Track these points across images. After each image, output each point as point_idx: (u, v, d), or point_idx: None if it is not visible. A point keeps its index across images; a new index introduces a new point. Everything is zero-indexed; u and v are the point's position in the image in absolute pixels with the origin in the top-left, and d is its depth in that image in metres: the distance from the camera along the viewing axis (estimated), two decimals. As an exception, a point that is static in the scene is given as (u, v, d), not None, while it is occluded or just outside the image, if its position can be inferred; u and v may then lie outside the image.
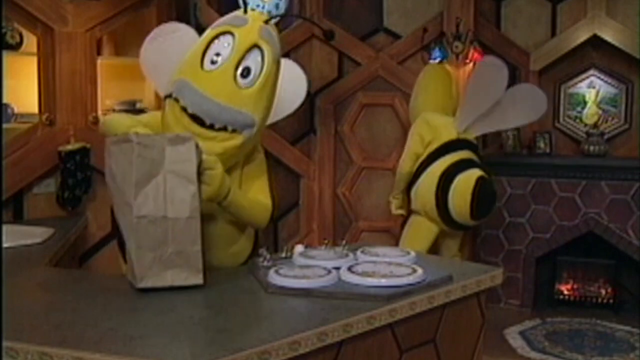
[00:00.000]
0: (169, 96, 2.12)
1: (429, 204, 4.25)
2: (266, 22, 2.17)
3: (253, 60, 2.10)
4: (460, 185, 4.13)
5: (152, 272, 1.83)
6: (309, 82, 2.64)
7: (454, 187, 4.14)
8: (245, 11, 2.17)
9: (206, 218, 2.06)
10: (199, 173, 1.91)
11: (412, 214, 4.47)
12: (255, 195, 2.25)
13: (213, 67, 2.09)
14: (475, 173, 4.14)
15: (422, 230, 4.39)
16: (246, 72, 2.09)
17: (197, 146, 1.90)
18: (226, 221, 2.23)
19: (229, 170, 2.15)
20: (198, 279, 1.87)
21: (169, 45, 2.44)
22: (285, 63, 2.45)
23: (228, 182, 2.05)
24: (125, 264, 1.98)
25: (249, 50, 2.09)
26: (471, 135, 4.38)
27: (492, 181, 4.24)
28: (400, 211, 4.53)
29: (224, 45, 2.11)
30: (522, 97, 4.37)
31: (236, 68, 2.09)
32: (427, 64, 4.70)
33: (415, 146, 4.37)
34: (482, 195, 4.11)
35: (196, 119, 2.05)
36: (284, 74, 2.31)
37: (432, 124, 4.34)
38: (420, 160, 4.35)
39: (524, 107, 4.37)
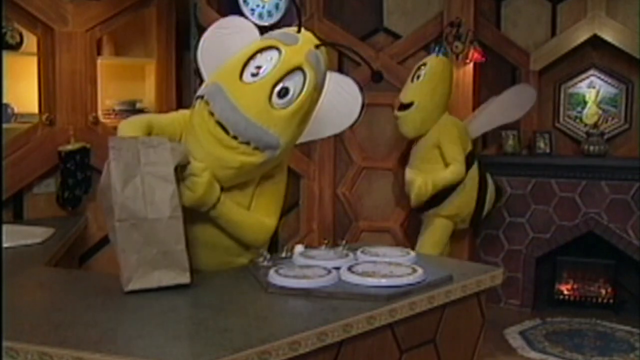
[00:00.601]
0: (200, 97, 2.06)
1: (468, 208, 4.48)
2: (317, 46, 2.06)
3: (293, 82, 2.01)
4: (490, 186, 4.59)
5: (138, 274, 1.84)
6: (364, 104, 2.49)
7: (489, 189, 4.58)
8: (299, 30, 2.09)
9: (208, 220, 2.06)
10: (184, 177, 1.92)
11: (429, 217, 4.56)
12: (260, 213, 2.18)
13: (251, 79, 2.01)
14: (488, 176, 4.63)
15: (443, 232, 4.56)
16: (284, 92, 2.00)
17: (172, 149, 1.89)
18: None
19: (243, 184, 2.12)
20: (185, 278, 1.87)
21: (230, 41, 2.29)
22: (344, 80, 2.40)
23: (216, 193, 2.01)
24: None
25: (292, 70, 2.00)
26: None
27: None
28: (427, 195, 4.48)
29: (267, 59, 2.02)
30: (513, 96, 4.65)
31: (274, 86, 1.99)
32: (430, 57, 4.62)
33: (462, 152, 4.43)
34: (497, 194, 4.70)
35: (222, 126, 1.98)
36: (340, 91, 2.25)
37: (464, 131, 4.55)
38: None
39: (514, 105, 4.64)
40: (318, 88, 2.08)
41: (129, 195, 1.83)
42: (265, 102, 1.99)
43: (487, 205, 4.60)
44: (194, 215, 2.04)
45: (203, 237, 2.11)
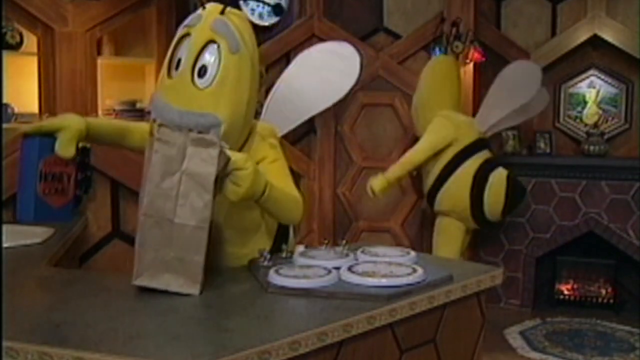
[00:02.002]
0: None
1: (462, 205, 4.36)
2: (222, 12, 2.04)
3: (208, 57, 1.99)
4: (495, 183, 4.32)
5: (149, 272, 1.81)
6: (362, 64, 2.43)
7: (489, 186, 4.31)
8: (204, 7, 2.08)
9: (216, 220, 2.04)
10: (226, 174, 1.84)
11: (438, 217, 4.54)
12: (286, 189, 2.15)
13: (175, 72, 2.03)
14: (504, 172, 4.35)
15: (452, 231, 4.49)
16: (203, 71, 1.99)
17: (221, 152, 1.81)
18: (235, 225, 2.19)
19: None
20: (194, 290, 1.82)
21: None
22: (336, 46, 2.35)
23: (263, 179, 1.96)
24: None
25: (203, 47, 1.99)
26: (486, 135, 4.51)
27: (517, 178, 4.47)
28: (380, 195, 4.44)
29: (183, 49, 2.03)
30: (516, 74, 4.47)
31: (192, 70, 1.99)
32: (434, 57, 4.66)
33: (437, 142, 4.38)
34: (514, 192, 4.37)
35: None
36: (331, 58, 2.21)
37: (456, 123, 4.40)
38: (445, 160, 4.38)
39: (519, 84, 4.44)
40: (237, 49, 2.03)
41: (162, 192, 1.78)
42: (191, 88, 1.99)
43: (491, 200, 4.33)
44: None
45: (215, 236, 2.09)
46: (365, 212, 5.22)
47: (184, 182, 1.79)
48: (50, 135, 2.03)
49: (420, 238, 5.02)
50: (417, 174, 4.69)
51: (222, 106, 1.99)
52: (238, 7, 4.70)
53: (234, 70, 2.01)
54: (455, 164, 4.35)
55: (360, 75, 2.48)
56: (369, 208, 5.20)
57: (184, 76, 1.99)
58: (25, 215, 1.91)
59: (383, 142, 5.15)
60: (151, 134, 2.08)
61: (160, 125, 1.89)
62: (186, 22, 2.09)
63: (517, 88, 4.39)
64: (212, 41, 2.00)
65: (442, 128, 4.38)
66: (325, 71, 2.26)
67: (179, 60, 2.03)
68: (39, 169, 1.91)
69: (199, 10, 2.08)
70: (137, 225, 1.83)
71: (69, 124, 2.10)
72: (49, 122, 2.08)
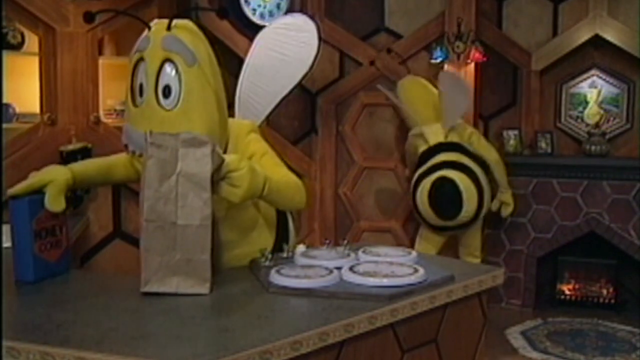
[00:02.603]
0: (132, 152, 2.03)
1: (425, 208, 4.35)
2: (168, 27, 1.99)
3: (167, 77, 1.94)
4: (420, 190, 4.30)
5: (157, 277, 1.81)
6: (319, 31, 2.34)
7: (418, 194, 4.32)
8: (149, 27, 2.01)
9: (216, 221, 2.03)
10: (221, 177, 1.84)
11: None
12: (284, 177, 2.13)
13: (141, 100, 1.99)
14: (435, 176, 4.24)
15: (427, 233, 4.55)
16: (168, 91, 1.95)
17: (213, 150, 1.81)
18: (235, 226, 2.19)
19: None
20: (204, 289, 1.83)
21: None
22: (288, 21, 2.33)
23: (261, 175, 1.93)
24: None
25: (160, 68, 1.95)
26: (457, 138, 4.43)
27: (455, 180, 4.20)
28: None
29: (141, 75, 1.98)
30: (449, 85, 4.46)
31: (156, 93, 1.94)
32: (401, 80, 4.73)
33: (410, 158, 4.60)
34: (437, 197, 4.22)
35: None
36: (286, 35, 2.17)
37: (421, 133, 4.49)
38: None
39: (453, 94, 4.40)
40: (194, 61, 1.98)
41: (161, 196, 1.78)
42: (160, 111, 1.95)
43: (420, 206, 4.31)
44: None
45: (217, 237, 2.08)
46: (366, 212, 5.22)
47: (181, 184, 1.79)
48: (37, 192, 2.03)
49: (421, 238, 5.02)
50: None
51: (196, 121, 1.95)
52: (240, 7, 4.70)
53: (197, 83, 1.97)
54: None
55: (319, 43, 2.43)
56: (370, 208, 5.20)
57: (150, 101, 1.95)
58: (25, 277, 1.94)
59: (384, 142, 5.16)
60: (132, 164, 2.10)
61: (150, 131, 1.85)
62: (136, 46, 2.03)
63: (455, 98, 4.36)
64: (167, 60, 1.95)
65: (411, 142, 4.62)
66: (286, 47, 2.24)
67: (141, 86, 1.98)
68: (32, 229, 1.92)
69: (146, 32, 2.03)
70: (141, 230, 1.83)
71: (55, 177, 2.05)
72: (35, 180, 2.03)
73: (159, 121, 1.93)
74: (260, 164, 2.07)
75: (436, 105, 4.48)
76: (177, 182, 1.79)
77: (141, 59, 1.99)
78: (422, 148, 4.46)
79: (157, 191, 1.79)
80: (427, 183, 4.26)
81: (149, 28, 2.02)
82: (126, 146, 2.03)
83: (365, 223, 5.22)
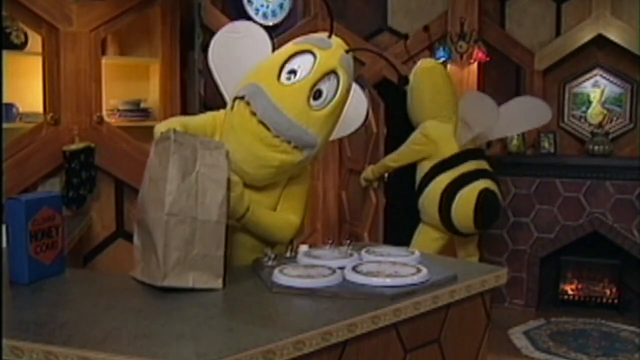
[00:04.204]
0: (240, 98, 2.11)
1: (435, 219, 4.29)
2: (347, 51, 2.17)
3: (327, 85, 2.10)
4: (462, 201, 4.18)
5: (175, 272, 1.83)
6: (368, 108, 2.57)
7: (455, 204, 4.18)
8: (330, 35, 2.17)
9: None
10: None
11: (421, 223, 4.48)
12: (286, 212, 2.27)
13: (288, 82, 2.09)
14: (477, 187, 4.17)
15: (428, 239, 4.39)
16: (318, 95, 2.09)
17: (227, 155, 1.91)
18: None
19: (273, 184, 2.20)
20: (217, 284, 1.88)
21: (240, 45, 2.39)
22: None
23: (245, 205, 2.08)
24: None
25: (327, 74, 2.10)
26: (477, 145, 4.35)
27: (496, 192, 4.24)
28: (363, 182, 4.64)
29: (303, 63, 2.11)
30: (525, 109, 4.40)
31: (312, 88, 2.08)
32: (418, 64, 4.45)
33: (410, 155, 4.36)
34: (485, 209, 4.18)
35: (264, 126, 2.05)
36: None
37: (432, 138, 4.26)
38: (423, 172, 4.32)
39: (527, 118, 4.39)
40: (348, 89, 2.17)
41: (184, 190, 1.83)
42: (305, 104, 2.07)
43: (459, 217, 4.21)
44: None
45: (231, 236, 2.11)
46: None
47: (200, 182, 1.85)
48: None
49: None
50: (388, 177, 4.64)
51: (323, 132, 2.13)
52: (242, 7, 4.71)
53: (341, 105, 2.16)
54: (430, 177, 4.28)
55: (366, 119, 2.56)
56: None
57: (303, 90, 2.07)
58: (19, 278, 1.94)
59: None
60: (232, 107, 2.15)
61: (174, 129, 1.92)
62: (310, 40, 2.17)
63: (484, 112, 4.27)
64: (334, 72, 2.10)
65: (417, 144, 4.32)
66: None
67: (292, 71, 2.10)
68: (28, 230, 1.92)
69: (323, 35, 2.19)
70: (157, 226, 1.84)
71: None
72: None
73: (300, 109, 2.06)
74: (288, 189, 2.27)
75: (446, 99, 4.33)
76: (197, 179, 1.85)
77: (310, 52, 2.11)
78: (431, 154, 4.27)
79: (179, 186, 1.83)
80: (470, 195, 4.16)
81: (330, 35, 2.17)
82: (241, 98, 2.09)
83: (367, 223, 5.22)
